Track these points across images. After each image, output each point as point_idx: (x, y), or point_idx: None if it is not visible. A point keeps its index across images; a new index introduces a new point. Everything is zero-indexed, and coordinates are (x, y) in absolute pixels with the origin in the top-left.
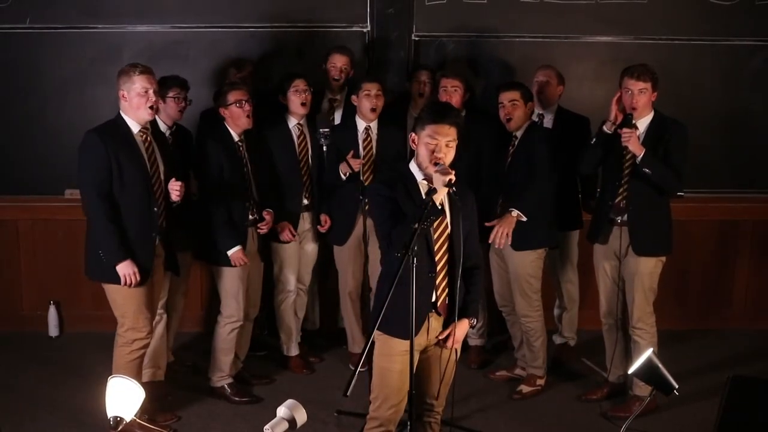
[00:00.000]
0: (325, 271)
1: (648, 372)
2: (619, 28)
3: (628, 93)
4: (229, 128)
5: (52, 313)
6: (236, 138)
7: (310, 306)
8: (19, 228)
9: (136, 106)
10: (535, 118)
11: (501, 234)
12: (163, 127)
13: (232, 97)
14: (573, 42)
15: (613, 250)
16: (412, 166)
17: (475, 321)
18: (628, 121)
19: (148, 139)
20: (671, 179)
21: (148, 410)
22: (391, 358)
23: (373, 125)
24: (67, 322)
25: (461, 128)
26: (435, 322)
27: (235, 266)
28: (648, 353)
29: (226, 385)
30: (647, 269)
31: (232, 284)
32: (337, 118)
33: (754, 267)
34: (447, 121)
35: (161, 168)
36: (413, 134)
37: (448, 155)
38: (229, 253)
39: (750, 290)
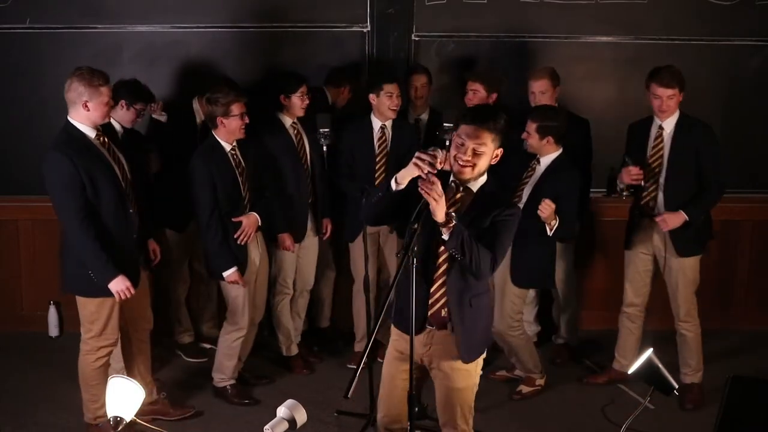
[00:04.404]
0: (337, 267)
1: (648, 372)
2: (619, 28)
3: (657, 99)
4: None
5: (52, 313)
6: (228, 148)
7: (322, 303)
8: (19, 228)
9: (102, 115)
10: None
11: None
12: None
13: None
14: (573, 42)
15: (652, 245)
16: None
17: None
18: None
19: (106, 140)
20: (715, 199)
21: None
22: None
23: (388, 123)
24: (67, 322)
25: (501, 134)
26: (426, 337)
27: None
28: (648, 353)
29: (228, 387)
30: (690, 265)
31: (237, 294)
32: None
33: (754, 267)
34: (481, 124)
35: (125, 165)
36: (454, 133)
37: (479, 162)
38: (226, 274)
39: (750, 290)
